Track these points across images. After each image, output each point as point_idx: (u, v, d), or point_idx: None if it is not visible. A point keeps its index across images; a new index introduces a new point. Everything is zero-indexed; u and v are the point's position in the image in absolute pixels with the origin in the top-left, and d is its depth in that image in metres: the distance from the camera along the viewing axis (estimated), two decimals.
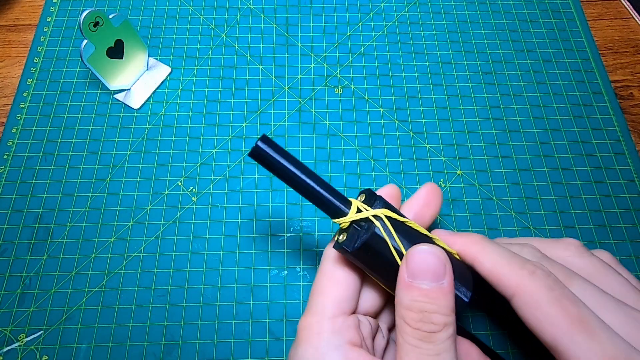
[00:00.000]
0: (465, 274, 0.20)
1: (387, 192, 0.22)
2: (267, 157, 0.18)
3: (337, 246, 0.19)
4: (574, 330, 0.17)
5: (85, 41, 0.30)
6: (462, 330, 0.22)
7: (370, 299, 0.22)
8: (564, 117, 0.36)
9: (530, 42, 0.39)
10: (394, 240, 0.19)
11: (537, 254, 0.21)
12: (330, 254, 0.21)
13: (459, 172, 0.34)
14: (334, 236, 0.21)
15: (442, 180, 0.33)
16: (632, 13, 0.41)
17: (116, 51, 0.33)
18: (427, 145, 0.35)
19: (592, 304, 0.18)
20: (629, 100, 0.37)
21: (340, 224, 0.19)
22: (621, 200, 0.32)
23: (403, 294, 0.18)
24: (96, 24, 0.30)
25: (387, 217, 0.19)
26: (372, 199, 0.20)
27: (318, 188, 0.19)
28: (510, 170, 0.34)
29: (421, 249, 0.18)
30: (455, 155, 0.34)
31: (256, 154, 0.18)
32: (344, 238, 0.19)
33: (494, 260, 0.20)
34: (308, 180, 0.18)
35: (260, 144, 0.18)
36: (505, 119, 0.36)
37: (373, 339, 0.21)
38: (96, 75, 0.32)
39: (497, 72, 0.38)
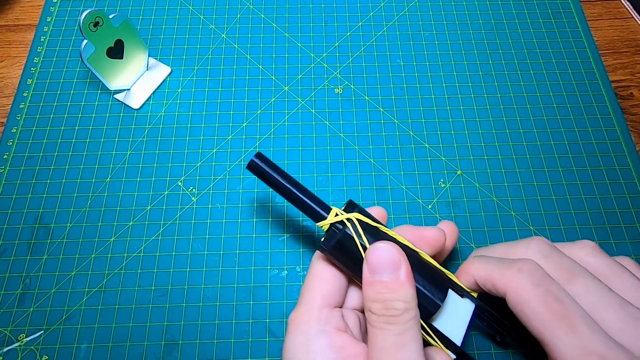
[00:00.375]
0: (439, 279, 0.22)
1: (374, 213, 0.24)
2: (261, 170, 0.22)
3: (318, 246, 0.22)
4: (555, 325, 0.18)
5: (85, 41, 0.30)
6: (462, 354, 0.23)
7: (357, 297, 0.23)
8: (564, 117, 0.36)
9: (530, 42, 0.39)
10: (361, 239, 0.21)
11: (545, 248, 0.22)
12: (318, 255, 0.23)
13: (459, 172, 0.34)
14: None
15: (442, 180, 0.33)
16: (632, 13, 0.41)
17: (116, 51, 0.33)
18: (427, 145, 0.35)
19: (593, 301, 0.19)
20: (629, 100, 0.37)
21: (322, 227, 0.22)
22: (621, 200, 0.32)
23: (367, 289, 0.20)
24: (96, 24, 0.30)
25: (358, 220, 0.21)
26: (352, 207, 0.22)
27: (302, 196, 0.22)
28: (510, 170, 0.34)
29: (378, 245, 0.20)
30: (455, 155, 0.34)
31: (252, 168, 0.22)
32: (324, 239, 0.22)
33: (485, 267, 0.22)
34: (294, 190, 0.22)
35: (255, 159, 0.22)
36: (505, 119, 0.36)
37: (365, 333, 0.23)
38: (96, 75, 0.32)
39: (497, 72, 0.38)
